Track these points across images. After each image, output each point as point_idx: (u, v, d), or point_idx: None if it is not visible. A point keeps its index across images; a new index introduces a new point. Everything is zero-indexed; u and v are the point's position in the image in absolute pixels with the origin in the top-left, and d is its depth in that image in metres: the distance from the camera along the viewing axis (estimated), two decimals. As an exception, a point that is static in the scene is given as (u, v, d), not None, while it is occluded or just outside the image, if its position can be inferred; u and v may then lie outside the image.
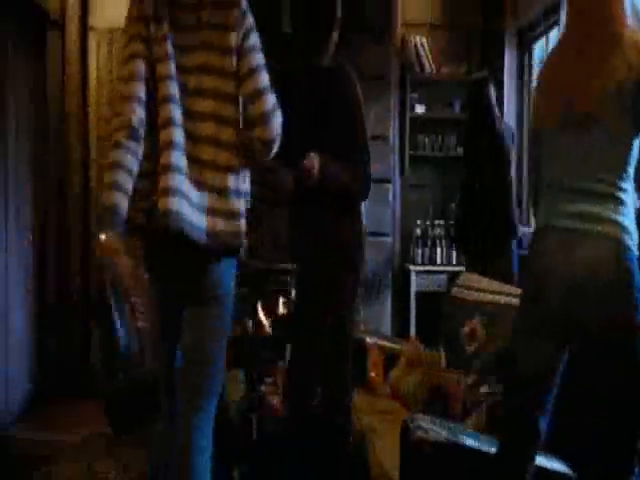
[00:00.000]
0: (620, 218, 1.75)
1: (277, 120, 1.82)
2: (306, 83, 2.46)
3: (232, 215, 1.82)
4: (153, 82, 1.80)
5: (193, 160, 1.79)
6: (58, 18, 4.28)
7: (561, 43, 1.99)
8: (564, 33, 1.99)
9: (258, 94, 1.80)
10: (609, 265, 1.71)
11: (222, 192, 1.80)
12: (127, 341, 2.92)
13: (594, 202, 1.76)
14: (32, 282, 4.01)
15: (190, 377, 1.86)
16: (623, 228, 1.75)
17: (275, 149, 1.85)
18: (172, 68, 1.80)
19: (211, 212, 1.79)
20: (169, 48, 1.81)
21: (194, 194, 1.77)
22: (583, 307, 1.74)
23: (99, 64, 4.48)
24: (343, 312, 2.42)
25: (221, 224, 1.79)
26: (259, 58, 1.84)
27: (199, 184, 1.79)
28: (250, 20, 1.86)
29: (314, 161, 2.27)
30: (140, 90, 1.78)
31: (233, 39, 1.81)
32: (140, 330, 2.98)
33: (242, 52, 1.82)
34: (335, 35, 2.47)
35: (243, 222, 1.85)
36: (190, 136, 1.79)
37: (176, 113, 1.78)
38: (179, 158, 1.76)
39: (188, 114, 1.80)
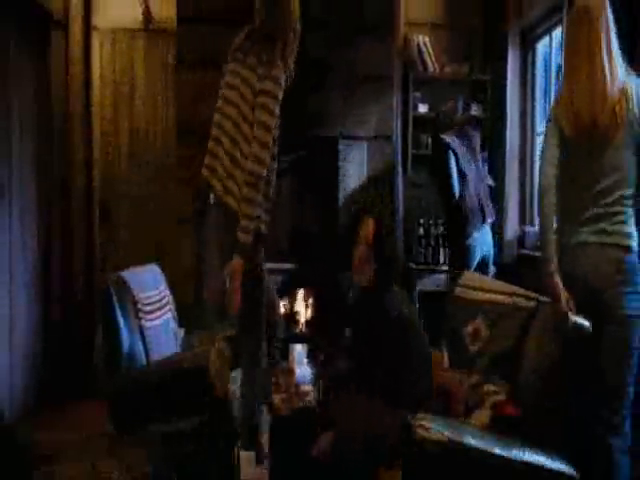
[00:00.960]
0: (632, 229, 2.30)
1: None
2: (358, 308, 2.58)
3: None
4: None
5: None
6: (61, 18, 4.30)
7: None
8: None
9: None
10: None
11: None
12: (130, 340, 2.92)
13: (617, 220, 2.28)
14: (36, 282, 4.02)
15: None
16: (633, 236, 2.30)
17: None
18: None
19: None
20: None
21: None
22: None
23: (102, 64, 4.50)
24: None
25: None
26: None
27: None
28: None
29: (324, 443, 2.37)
30: None
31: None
32: (143, 329, 2.99)
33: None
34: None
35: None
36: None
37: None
38: None
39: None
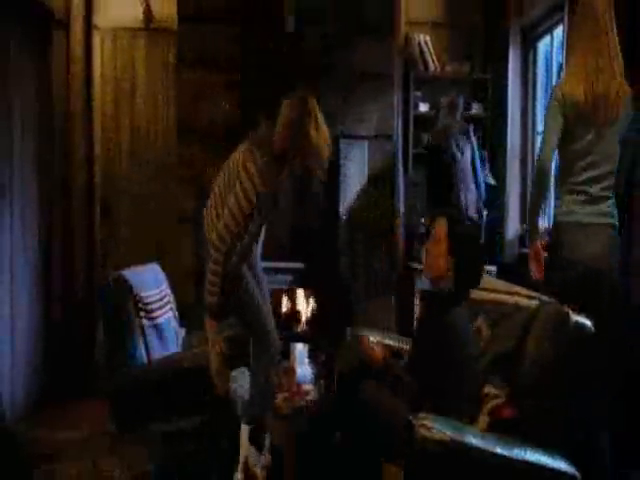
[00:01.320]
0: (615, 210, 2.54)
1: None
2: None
3: None
4: None
5: None
6: (63, 17, 4.30)
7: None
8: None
9: None
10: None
11: None
12: (131, 339, 2.92)
13: (608, 202, 2.53)
14: (37, 281, 4.03)
15: None
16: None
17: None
18: None
19: None
20: None
21: None
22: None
23: (103, 63, 4.50)
24: None
25: None
26: None
27: None
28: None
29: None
30: None
31: None
32: (144, 328, 2.99)
33: None
34: None
35: None
36: None
37: None
38: None
39: None
